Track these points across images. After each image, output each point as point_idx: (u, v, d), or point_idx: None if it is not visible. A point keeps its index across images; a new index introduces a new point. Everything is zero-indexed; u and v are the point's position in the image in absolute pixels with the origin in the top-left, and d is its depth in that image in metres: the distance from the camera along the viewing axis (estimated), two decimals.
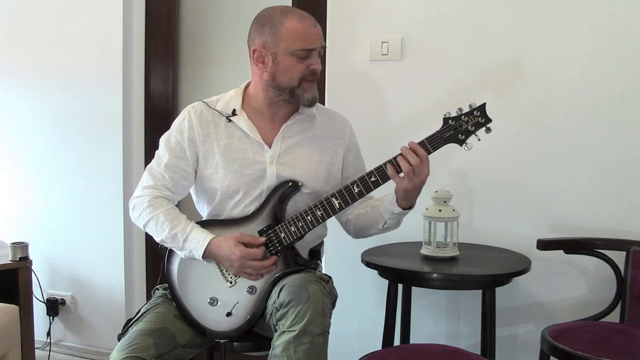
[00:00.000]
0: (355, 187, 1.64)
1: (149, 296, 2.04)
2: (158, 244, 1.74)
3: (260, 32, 1.67)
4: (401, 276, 2.04)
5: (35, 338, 2.68)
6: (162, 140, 1.77)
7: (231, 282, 1.67)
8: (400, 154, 1.61)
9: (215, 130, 1.73)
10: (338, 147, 1.81)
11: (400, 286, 2.17)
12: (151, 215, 1.69)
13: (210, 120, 1.74)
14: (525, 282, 2.26)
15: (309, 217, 1.65)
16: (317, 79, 1.71)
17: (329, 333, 1.52)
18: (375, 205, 1.77)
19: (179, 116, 1.78)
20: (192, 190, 1.82)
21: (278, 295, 1.54)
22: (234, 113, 1.73)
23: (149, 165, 1.77)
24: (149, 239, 2.75)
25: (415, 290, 2.30)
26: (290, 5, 2.51)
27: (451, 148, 1.64)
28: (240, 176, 1.71)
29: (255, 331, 1.69)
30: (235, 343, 1.69)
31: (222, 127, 1.74)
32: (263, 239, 1.66)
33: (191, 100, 1.80)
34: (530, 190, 2.26)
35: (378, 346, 2.10)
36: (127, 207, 1.78)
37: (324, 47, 1.71)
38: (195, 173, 1.76)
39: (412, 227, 2.19)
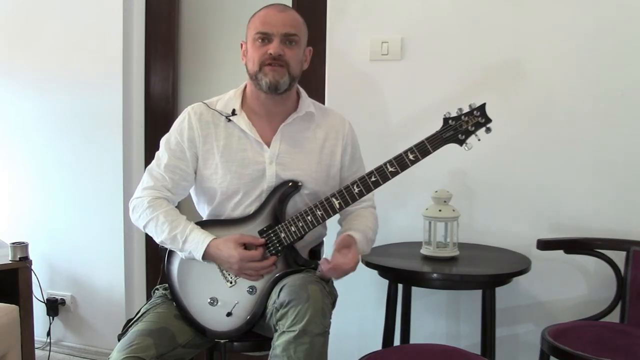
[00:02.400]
0: (355, 187, 1.64)
1: (149, 296, 2.04)
2: (158, 244, 1.74)
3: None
4: (401, 276, 2.04)
5: (35, 338, 2.68)
6: (163, 141, 1.77)
7: (231, 282, 1.67)
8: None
9: (214, 131, 1.73)
10: (335, 148, 1.81)
11: (400, 286, 2.17)
12: (151, 217, 1.69)
13: (210, 120, 1.74)
14: (525, 282, 2.26)
15: (309, 217, 1.65)
16: (283, 66, 1.67)
17: (329, 333, 1.52)
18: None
19: (179, 117, 1.78)
20: (192, 192, 1.82)
21: (278, 295, 1.54)
22: (233, 113, 1.73)
23: (149, 166, 1.77)
24: (149, 239, 2.74)
25: (415, 290, 2.30)
26: (290, 5, 2.51)
27: (451, 148, 1.64)
28: (240, 176, 1.71)
29: (255, 331, 1.69)
30: (235, 343, 1.69)
31: (221, 127, 1.74)
32: (262, 240, 1.66)
33: (191, 100, 1.81)
34: (530, 190, 2.26)
35: (378, 346, 2.10)
36: (127, 207, 1.78)
37: (292, 35, 1.67)
38: (195, 174, 1.76)
39: (412, 227, 2.20)
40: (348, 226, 1.77)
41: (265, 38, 1.66)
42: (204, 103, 1.78)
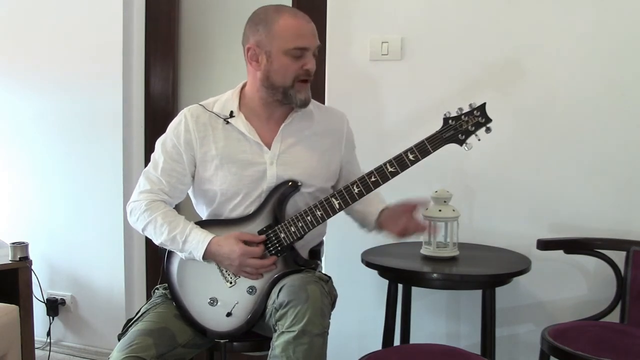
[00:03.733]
0: (355, 187, 1.64)
1: (149, 296, 2.04)
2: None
3: (254, 30, 1.66)
4: (401, 276, 2.04)
5: (35, 338, 2.69)
6: (158, 144, 1.75)
7: (231, 282, 1.67)
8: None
9: (212, 133, 1.72)
10: (335, 144, 1.81)
11: (400, 286, 2.17)
12: (149, 219, 1.68)
13: (207, 123, 1.72)
14: (525, 282, 2.26)
15: (308, 218, 1.65)
16: (311, 80, 1.68)
17: (328, 333, 1.52)
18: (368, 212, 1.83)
19: (175, 119, 1.76)
20: (190, 193, 1.81)
21: (277, 296, 1.54)
22: (231, 115, 1.72)
23: (145, 170, 1.76)
24: (148, 239, 2.74)
25: (415, 290, 2.30)
26: (290, 5, 2.51)
27: (451, 148, 1.64)
28: (240, 178, 1.70)
29: (255, 331, 1.69)
30: (235, 343, 1.69)
31: (219, 129, 1.72)
32: (263, 237, 1.66)
33: (191, 100, 1.80)
34: (530, 190, 2.26)
35: (378, 346, 2.10)
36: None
37: (319, 46, 1.69)
38: (193, 177, 1.75)
39: None
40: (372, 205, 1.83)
41: (301, 54, 1.63)
42: (201, 105, 1.75)
